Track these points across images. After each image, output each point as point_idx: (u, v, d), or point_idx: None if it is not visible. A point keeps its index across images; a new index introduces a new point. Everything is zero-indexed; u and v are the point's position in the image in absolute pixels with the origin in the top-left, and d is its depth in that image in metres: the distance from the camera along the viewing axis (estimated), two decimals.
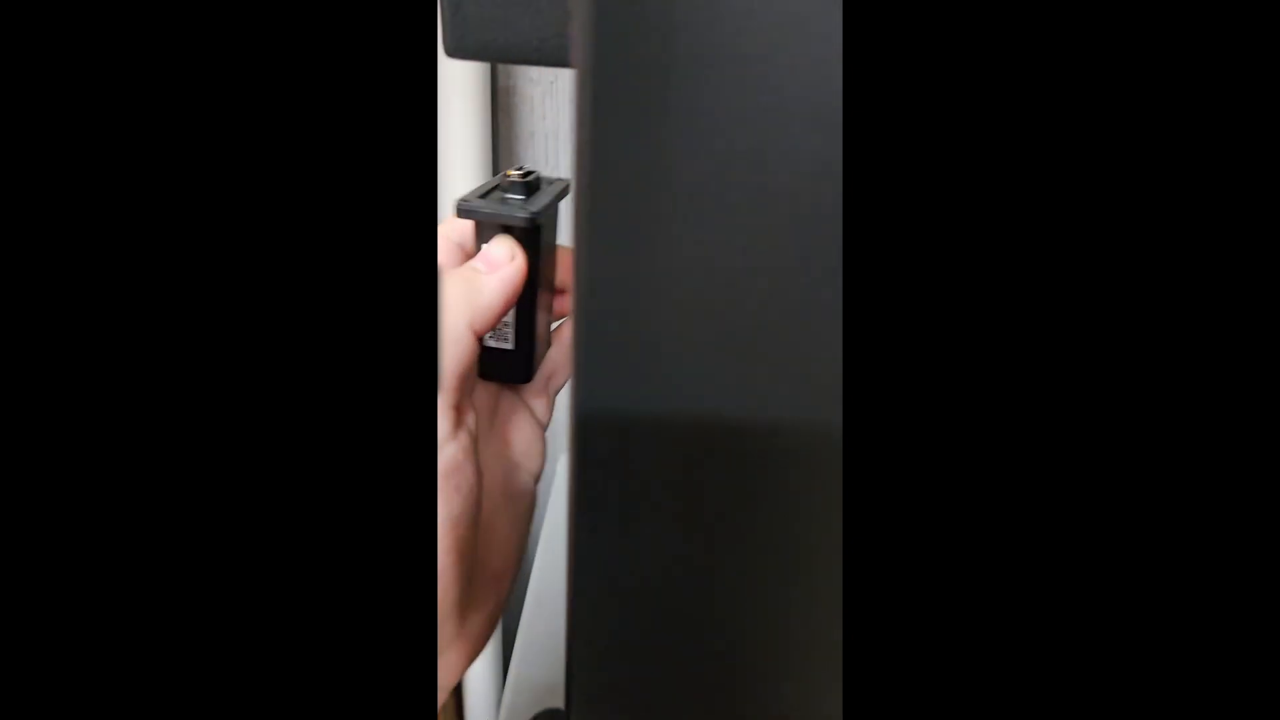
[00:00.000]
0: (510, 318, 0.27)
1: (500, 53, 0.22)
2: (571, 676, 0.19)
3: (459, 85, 0.51)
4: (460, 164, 0.53)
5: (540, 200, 0.25)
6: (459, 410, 0.24)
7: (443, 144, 0.52)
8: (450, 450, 0.23)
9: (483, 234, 0.26)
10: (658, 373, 0.15)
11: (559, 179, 0.27)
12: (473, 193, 0.25)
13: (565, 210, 0.17)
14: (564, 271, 0.28)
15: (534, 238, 0.25)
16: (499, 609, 0.27)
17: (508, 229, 0.25)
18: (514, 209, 0.25)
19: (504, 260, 0.25)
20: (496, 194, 0.26)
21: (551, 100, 0.58)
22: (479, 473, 0.24)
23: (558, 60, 0.22)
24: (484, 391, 0.28)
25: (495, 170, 0.58)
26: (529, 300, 0.27)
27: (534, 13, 0.21)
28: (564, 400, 0.19)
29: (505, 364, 0.28)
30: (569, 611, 0.18)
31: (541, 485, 0.30)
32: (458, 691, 0.69)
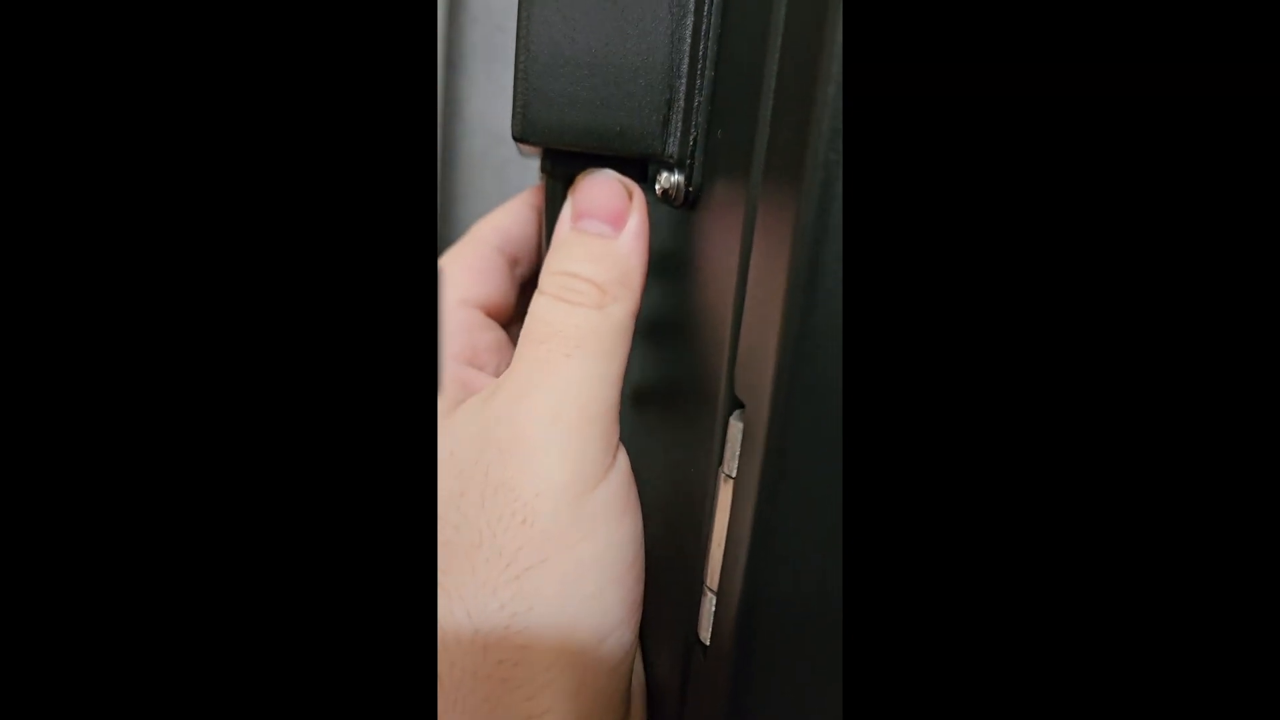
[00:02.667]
0: None
1: (578, 136, 0.20)
2: None
3: None
4: None
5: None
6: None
7: None
8: (622, 472, 0.21)
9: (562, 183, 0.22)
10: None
11: None
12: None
13: None
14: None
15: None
16: None
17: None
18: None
19: (622, 207, 0.21)
20: None
21: None
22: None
23: (643, 148, 0.21)
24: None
25: None
26: None
27: (624, 93, 0.20)
28: None
29: None
30: None
31: None
32: None
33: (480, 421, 0.21)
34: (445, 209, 0.57)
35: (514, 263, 0.27)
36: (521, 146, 0.22)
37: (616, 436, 0.21)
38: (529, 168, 0.56)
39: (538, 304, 0.21)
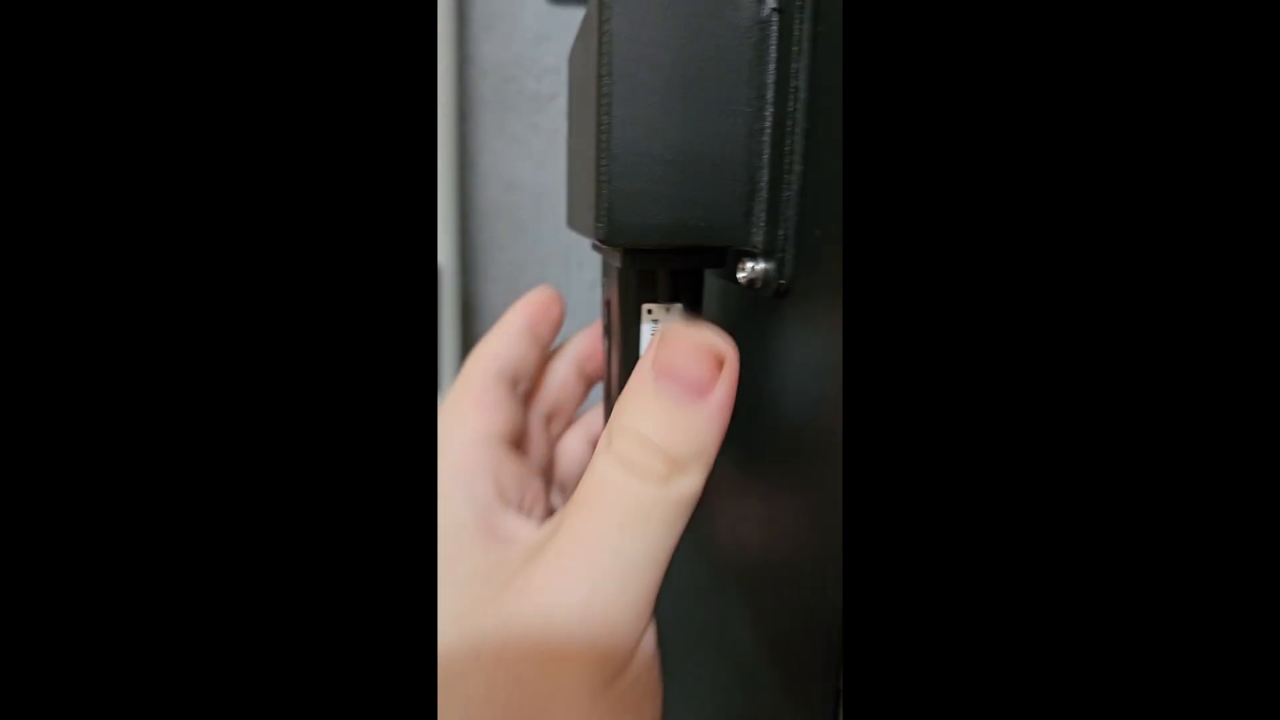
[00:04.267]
0: None
1: (664, 235, 0.20)
2: None
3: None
4: None
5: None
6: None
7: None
8: (648, 653, 0.20)
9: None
10: None
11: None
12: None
13: None
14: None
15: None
16: None
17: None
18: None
19: (710, 378, 0.19)
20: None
21: None
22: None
23: (727, 239, 0.20)
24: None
25: None
26: None
27: (705, 186, 0.20)
28: None
29: None
30: None
31: None
32: None
33: (506, 606, 0.19)
34: (465, 256, 0.57)
35: (515, 383, 0.27)
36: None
37: (651, 612, 0.20)
38: (543, 214, 0.57)
39: (601, 462, 0.20)
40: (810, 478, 0.20)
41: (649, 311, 0.23)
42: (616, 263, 0.22)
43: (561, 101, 0.56)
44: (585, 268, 0.59)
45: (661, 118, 0.20)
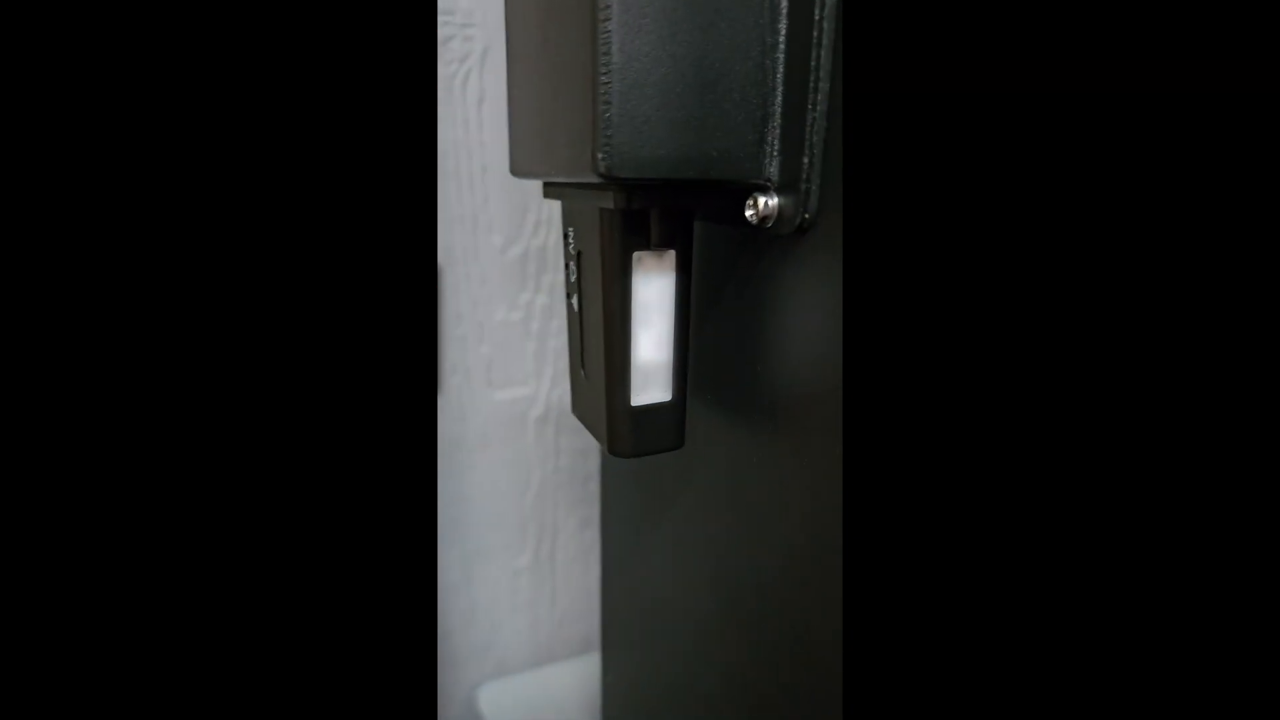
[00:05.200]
0: (669, 347, 0.22)
1: (674, 166, 0.17)
2: None
3: None
4: None
5: None
6: None
7: None
8: None
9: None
10: None
11: None
12: None
13: None
14: None
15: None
16: None
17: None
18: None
19: None
20: None
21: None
22: None
23: (738, 172, 0.18)
24: None
25: None
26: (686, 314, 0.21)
27: (719, 110, 0.17)
28: None
29: (662, 426, 0.22)
30: None
31: None
32: None
33: None
34: None
35: None
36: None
37: None
38: (444, 173, 0.52)
39: None
40: (819, 447, 0.18)
41: (639, 260, 0.21)
42: (606, 204, 0.19)
43: (457, 45, 0.52)
44: (494, 230, 0.55)
45: (673, 30, 0.17)
